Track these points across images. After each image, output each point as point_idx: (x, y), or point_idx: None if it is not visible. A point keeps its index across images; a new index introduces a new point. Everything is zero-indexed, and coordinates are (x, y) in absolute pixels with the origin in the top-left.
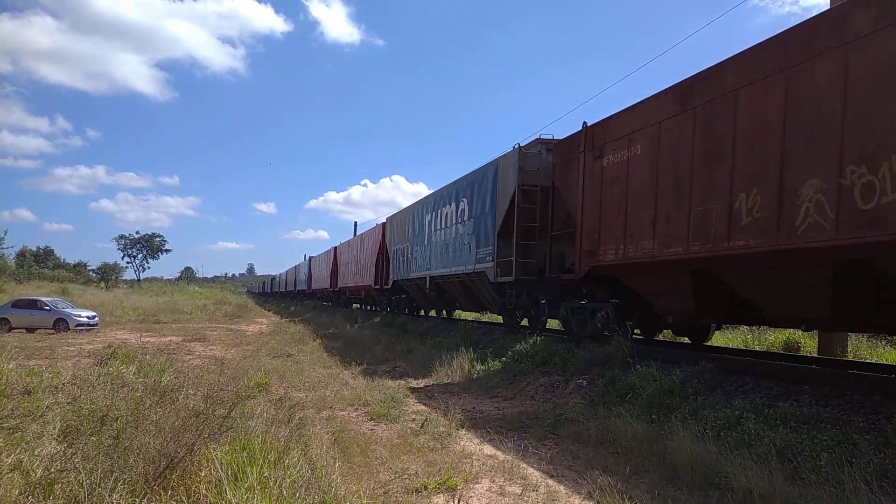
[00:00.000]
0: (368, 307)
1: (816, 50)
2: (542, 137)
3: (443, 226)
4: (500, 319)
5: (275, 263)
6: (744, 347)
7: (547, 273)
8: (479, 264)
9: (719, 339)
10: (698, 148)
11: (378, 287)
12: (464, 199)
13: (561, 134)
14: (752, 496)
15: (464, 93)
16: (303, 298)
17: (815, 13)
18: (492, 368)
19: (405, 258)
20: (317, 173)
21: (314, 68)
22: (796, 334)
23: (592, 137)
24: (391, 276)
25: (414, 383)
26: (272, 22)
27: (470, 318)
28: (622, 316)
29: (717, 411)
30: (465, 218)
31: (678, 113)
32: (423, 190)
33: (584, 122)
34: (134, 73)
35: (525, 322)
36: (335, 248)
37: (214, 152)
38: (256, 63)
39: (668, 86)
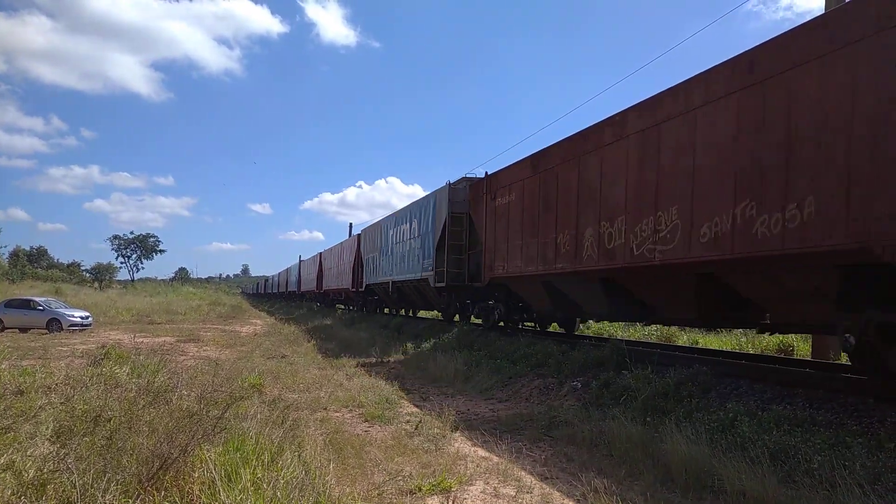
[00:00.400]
0: (350, 307)
1: (590, 148)
2: (467, 176)
3: (401, 240)
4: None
5: (270, 264)
6: (738, 350)
7: (466, 281)
8: (424, 272)
9: (713, 342)
10: (541, 200)
11: (354, 290)
12: (415, 220)
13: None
14: (745, 499)
15: (461, 94)
16: (294, 299)
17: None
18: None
19: (375, 265)
20: (312, 174)
21: (310, 70)
22: (790, 338)
23: (490, 184)
24: (364, 281)
25: (409, 384)
26: (268, 23)
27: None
28: (511, 312)
29: (711, 414)
30: (416, 235)
31: (531, 175)
32: (418, 192)
33: (486, 172)
34: (130, 73)
35: (457, 318)
36: (321, 254)
37: (210, 153)
38: (252, 64)
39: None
